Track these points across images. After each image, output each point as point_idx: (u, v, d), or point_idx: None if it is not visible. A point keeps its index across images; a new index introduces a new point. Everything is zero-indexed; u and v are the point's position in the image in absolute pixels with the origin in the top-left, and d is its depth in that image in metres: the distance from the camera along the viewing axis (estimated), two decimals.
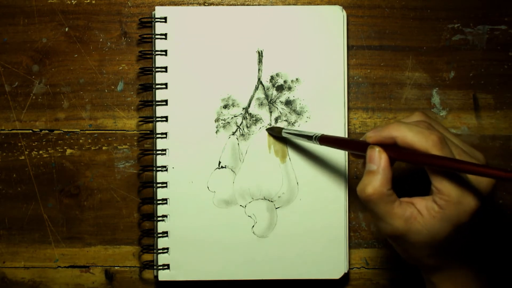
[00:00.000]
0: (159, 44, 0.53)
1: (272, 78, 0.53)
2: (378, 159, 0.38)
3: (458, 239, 0.38)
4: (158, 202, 0.52)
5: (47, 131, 0.54)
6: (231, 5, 0.55)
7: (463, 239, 0.38)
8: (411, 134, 0.37)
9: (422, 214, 0.37)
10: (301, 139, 0.50)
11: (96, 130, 0.54)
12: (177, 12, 0.53)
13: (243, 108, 0.53)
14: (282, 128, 0.51)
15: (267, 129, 0.52)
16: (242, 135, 0.53)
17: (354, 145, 0.42)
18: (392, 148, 0.38)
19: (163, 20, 0.53)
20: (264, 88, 0.53)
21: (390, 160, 0.38)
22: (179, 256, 0.52)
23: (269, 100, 0.53)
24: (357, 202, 0.54)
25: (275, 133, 0.52)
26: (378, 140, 0.39)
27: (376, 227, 0.39)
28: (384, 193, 0.38)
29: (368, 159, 0.39)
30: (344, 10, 0.53)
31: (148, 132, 0.54)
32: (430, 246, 0.38)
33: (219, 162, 0.53)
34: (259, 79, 0.53)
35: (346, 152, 0.53)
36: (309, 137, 0.46)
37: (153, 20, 0.53)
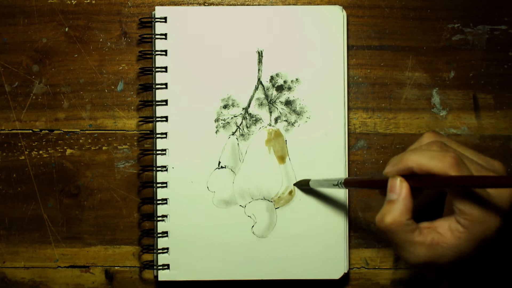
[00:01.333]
0: (159, 44, 0.53)
1: (272, 78, 0.53)
2: (399, 189, 0.38)
3: (483, 254, 0.37)
4: (158, 202, 0.53)
5: (47, 131, 0.54)
6: (231, 5, 0.55)
7: (488, 253, 0.38)
8: (426, 160, 0.36)
9: (446, 236, 0.37)
10: (327, 187, 0.51)
11: (96, 130, 0.54)
12: (177, 12, 0.53)
13: (243, 108, 0.53)
14: (309, 180, 0.51)
15: (295, 184, 0.52)
16: (242, 135, 0.53)
17: (377, 183, 0.42)
18: (412, 178, 0.38)
19: (163, 20, 0.53)
20: (264, 88, 0.53)
21: (412, 191, 0.38)
22: (179, 256, 0.52)
23: (269, 100, 0.53)
24: (357, 202, 0.54)
25: (302, 186, 0.52)
26: (396, 173, 0.38)
27: (399, 255, 0.39)
28: (403, 222, 0.37)
29: (389, 189, 0.38)
30: (344, 10, 0.53)
31: (148, 132, 0.54)
32: (455, 265, 0.38)
33: (219, 162, 0.53)
34: (259, 79, 0.53)
35: (346, 152, 0.53)
36: (335, 183, 0.46)
37: (153, 20, 0.53)
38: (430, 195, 0.43)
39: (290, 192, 0.53)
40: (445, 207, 0.40)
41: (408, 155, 0.38)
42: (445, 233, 0.37)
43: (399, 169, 0.38)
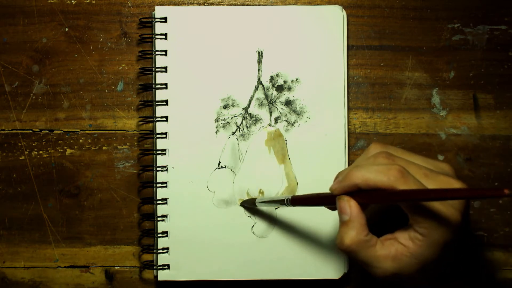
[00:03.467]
0: (159, 44, 0.53)
1: (272, 78, 0.53)
2: (348, 208, 0.38)
3: (447, 257, 0.38)
4: (158, 202, 0.53)
5: (47, 131, 0.54)
6: (231, 5, 0.55)
7: (451, 255, 0.38)
8: (372, 175, 0.36)
9: (407, 245, 0.37)
10: (274, 205, 0.51)
11: (96, 130, 0.54)
12: (177, 12, 0.53)
13: (243, 108, 0.53)
14: (255, 199, 0.51)
15: (241, 204, 0.52)
16: (242, 135, 0.53)
17: (324, 200, 0.42)
18: (360, 194, 0.38)
19: (163, 20, 0.53)
20: (264, 88, 0.53)
21: (362, 205, 0.38)
22: (179, 256, 0.52)
23: (269, 100, 0.53)
24: None
25: (248, 205, 0.52)
26: (343, 191, 0.38)
27: (368, 272, 0.39)
28: (362, 240, 0.37)
29: (339, 211, 0.38)
30: (344, 10, 0.53)
31: (148, 132, 0.54)
32: (423, 273, 0.38)
33: (219, 162, 0.53)
34: (259, 79, 0.53)
35: (346, 152, 0.53)
36: (281, 202, 0.46)
37: (153, 20, 0.53)
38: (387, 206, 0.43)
39: (290, 192, 0.53)
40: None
41: (354, 172, 0.37)
42: (407, 242, 0.37)
43: (345, 186, 0.38)
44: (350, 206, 0.38)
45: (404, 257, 0.37)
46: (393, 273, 0.38)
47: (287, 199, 0.45)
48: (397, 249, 0.37)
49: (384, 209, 0.43)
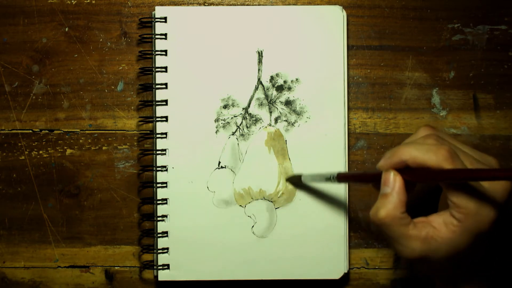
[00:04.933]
0: (159, 44, 0.53)
1: (272, 78, 0.53)
2: (393, 182, 0.38)
3: (478, 248, 0.37)
4: (158, 202, 0.53)
5: (47, 131, 0.54)
6: (231, 5, 0.55)
7: (483, 248, 0.38)
8: (420, 153, 0.36)
9: (440, 230, 0.37)
10: (319, 181, 0.51)
11: (96, 130, 0.54)
12: (177, 12, 0.53)
13: (243, 108, 0.53)
14: (301, 175, 0.51)
15: (287, 179, 0.52)
16: (242, 135, 0.53)
17: (370, 177, 0.42)
18: (406, 171, 0.38)
19: (163, 20, 0.53)
20: (264, 88, 0.53)
21: (406, 184, 0.38)
22: (179, 256, 0.52)
23: (269, 100, 0.53)
24: (357, 202, 0.54)
25: (295, 181, 0.52)
26: (390, 167, 0.38)
27: (394, 249, 0.39)
28: (397, 216, 0.37)
29: (382, 183, 0.38)
30: (344, 10, 0.53)
31: (148, 132, 0.54)
32: (450, 260, 0.37)
33: (219, 162, 0.53)
34: (259, 79, 0.53)
35: (346, 152, 0.53)
36: (327, 178, 0.46)
37: (153, 20, 0.53)
38: (425, 192, 0.43)
39: (290, 192, 0.53)
40: (439, 203, 0.40)
41: (403, 148, 0.37)
42: (440, 227, 0.37)
43: (393, 163, 0.38)
44: (395, 180, 0.37)
45: (433, 241, 0.37)
46: (420, 255, 0.37)
47: (332, 176, 0.45)
48: (428, 231, 0.37)
49: (421, 197, 0.42)
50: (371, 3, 0.54)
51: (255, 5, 0.54)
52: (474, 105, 0.54)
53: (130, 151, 0.54)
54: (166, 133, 0.53)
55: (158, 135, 0.53)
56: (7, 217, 0.54)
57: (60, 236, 0.54)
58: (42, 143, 0.54)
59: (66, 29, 0.54)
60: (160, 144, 0.53)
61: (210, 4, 0.55)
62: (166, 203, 0.53)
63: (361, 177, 0.44)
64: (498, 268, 0.41)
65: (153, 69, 0.53)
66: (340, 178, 0.44)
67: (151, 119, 0.54)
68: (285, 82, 0.53)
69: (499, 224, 0.37)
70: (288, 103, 0.53)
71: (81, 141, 0.54)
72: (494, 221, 0.36)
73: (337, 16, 0.53)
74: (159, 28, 0.53)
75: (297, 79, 0.53)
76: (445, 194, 0.37)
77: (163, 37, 0.53)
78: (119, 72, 0.54)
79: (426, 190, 0.43)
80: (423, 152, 0.36)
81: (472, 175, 0.34)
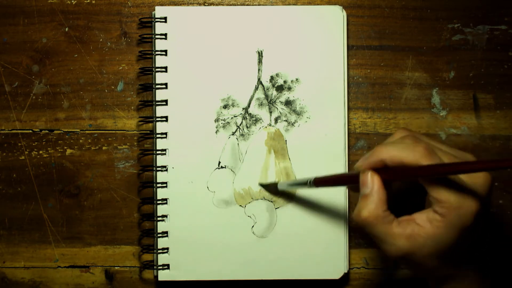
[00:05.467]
0: (159, 44, 0.53)
1: (272, 78, 0.53)
2: (371, 182, 0.38)
3: (463, 243, 0.37)
4: (158, 202, 0.53)
5: (47, 131, 0.54)
6: (231, 5, 0.55)
7: (468, 242, 0.38)
8: (398, 151, 0.37)
9: (424, 226, 0.37)
10: (297, 187, 0.51)
11: (96, 130, 0.54)
12: (177, 12, 0.53)
13: (243, 108, 0.53)
14: (277, 183, 0.51)
15: (261, 185, 0.52)
16: (242, 135, 0.53)
17: (347, 178, 0.42)
18: (384, 170, 0.38)
19: (163, 20, 0.53)
20: (264, 88, 0.53)
21: (385, 183, 0.38)
22: (179, 256, 0.52)
23: (269, 100, 0.53)
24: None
25: (270, 188, 0.52)
26: (368, 166, 0.38)
27: (380, 249, 0.39)
28: (380, 215, 0.37)
29: (361, 184, 0.38)
30: (344, 10, 0.53)
31: (148, 132, 0.54)
32: (437, 257, 0.38)
33: (219, 162, 0.53)
34: (259, 79, 0.53)
35: (346, 152, 0.53)
36: (303, 183, 0.46)
37: (153, 20, 0.53)
38: (410, 192, 0.43)
39: (290, 192, 0.53)
40: (426, 203, 0.40)
41: (380, 148, 0.38)
42: (424, 223, 0.37)
43: (371, 162, 0.38)
44: (373, 180, 0.38)
45: (419, 237, 0.37)
46: (406, 252, 0.37)
47: (309, 181, 0.45)
48: (413, 229, 0.37)
49: (402, 194, 0.42)
50: (371, 3, 0.54)
51: (255, 5, 0.54)
52: (474, 105, 0.54)
53: (130, 151, 0.54)
54: (166, 133, 0.53)
55: (158, 135, 0.53)
56: (7, 217, 0.54)
57: (60, 236, 0.54)
58: (42, 143, 0.54)
59: (66, 29, 0.54)
60: (160, 144, 0.53)
61: (210, 4, 0.55)
62: (166, 203, 0.53)
63: (339, 180, 0.43)
64: (485, 262, 0.41)
65: (153, 69, 0.53)
66: (317, 182, 0.44)
67: (151, 119, 0.54)
68: (285, 82, 0.53)
69: (483, 217, 0.37)
70: (288, 103, 0.53)
71: (81, 141, 0.54)
72: (477, 213, 0.36)
73: (337, 16, 0.53)
74: (159, 28, 0.53)
75: (297, 79, 0.53)
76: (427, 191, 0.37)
77: (163, 37, 0.53)
78: (119, 72, 0.54)
79: (410, 190, 0.43)
80: (400, 150, 0.37)
81: (450, 169, 0.34)
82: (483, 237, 0.42)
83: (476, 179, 0.37)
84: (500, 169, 0.31)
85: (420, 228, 0.37)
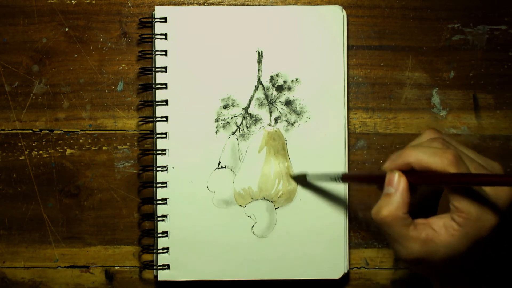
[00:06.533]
0: (159, 44, 0.53)
1: (272, 78, 0.53)
2: (397, 183, 0.38)
3: (476, 253, 0.37)
4: (158, 202, 0.52)
5: (47, 131, 0.54)
6: (231, 5, 0.55)
7: (481, 253, 0.38)
8: (426, 156, 0.36)
9: (440, 233, 0.37)
10: (324, 180, 0.51)
11: (96, 130, 0.54)
12: (177, 12, 0.53)
13: (243, 108, 0.53)
14: (306, 174, 0.51)
15: (292, 177, 0.53)
16: (242, 135, 0.53)
17: (375, 178, 0.42)
18: (411, 173, 0.38)
19: (163, 20, 0.53)
20: (264, 88, 0.53)
21: (410, 186, 0.38)
22: (179, 256, 0.52)
23: (269, 100, 0.53)
24: (357, 202, 0.54)
25: (300, 180, 0.52)
26: (395, 168, 0.38)
27: (392, 249, 0.39)
28: (399, 216, 0.37)
29: (386, 183, 0.38)
30: (344, 10, 0.53)
31: (148, 132, 0.54)
32: (448, 263, 0.37)
33: (219, 162, 0.53)
34: (259, 79, 0.53)
35: (346, 152, 0.53)
36: (332, 178, 0.46)
37: (153, 20, 0.53)
38: (426, 194, 0.43)
39: (290, 192, 0.53)
40: (439, 206, 0.40)
41: (408, 151, 0.38)
42: (440, 230, 0.37)
43: (398, 164, 0.38)
44: (400, 181, 0.38)
45: (432, 243, 0.37)
46: (418, 256, 0.37)
47: (337, 176, 0.45)
48: (427, 233, 0.37)
49: (423, 201, 0.42)
50: (371, 3, 0.54)
51: (255, 5, 0.54)
52: (474, 105, 0.54)
53: (130, 151, 0.54)
54: (166, 133, 0.53)
55: (158, 135, 0.53)
56: (7, 217, 0.54)
57: (60, 236, 0.54)
58: (42, 143, 0.54)
59: (66, 29, 0.54)
60: (160, 144, 0.53)
61: (210, 4, 0.55)
62: (166, 203, 0.53)
63: (366, 178, 0.44)
64: (495, 272, 0.41)
65: (153, 69, 0.53)
66: (344, 178, 0.45)
67: (151, 119, 0.54)
68: (285, 82, 0.53)
69: (499, 230, 0.37)
70: (288, 103, 0.53)
71: (81, 141, 0.54)
72: (494, 227, 0.36)
73: (337, 16, 0.53)
74: (159, 28, 0.53)
75: (297, 79, 0.53)
76: (447, 197, 0.37)
77: (163, 37, 0.53)
78: (119, 72, 0.54)
79: (427, 192, 0.43)
80: (429, 155, 0.36)
81: (476, 180, 0.34)
82: (496, 248, 0.42)
83: (499, 192, 0.36)
84: None
85: (435, 234, 0.37)
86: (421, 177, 0.37)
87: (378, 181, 0.41)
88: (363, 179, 0.44)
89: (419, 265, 0.38)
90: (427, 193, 0.43)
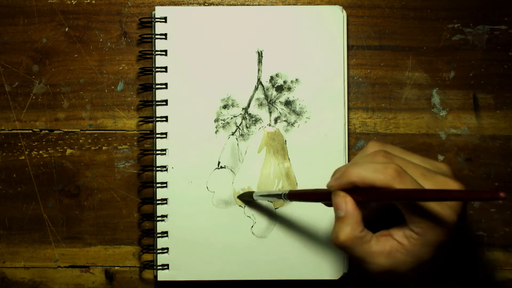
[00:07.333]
0: (159, 44, 0.53)
1: (271, 78, 0.53)
2: (344, 204, 0.38)
3: (440, 257, 0.38)
4: (158, 202, 0.53)
5: (47, 131, 0.54)
6: (231, 5, 0.55)
7: (445, 255, 0.38)
8: (368, 173, 0.36)
9: (402, 243, 0.37)
10: (272, 199, 0.51)
11: (96, 130, 0.54)
12: (177, 12, 0.53)
13: (243, 109, 0.53)
14: (253, 192, 0.51)
15: (238, 197, 0.52)
16: (242, 135, 0.53)
17: (320, 195, 0.41)
18: (356, 191, 0.38)
19: (163, 20, 0.53)
20: (263, 88, 0.53)
21: (360, 203, 0.38)
22: (178, 256, 0.52)
23: (268, 100, 0.53)
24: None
25: (246, 198, 0.52)
26: (339, 188, 0.38)
27: (362, 269, 0.39)
28: (357, 236, 0.37)
29: (334, 207, 0.38)
30: (344, 10, 0.53)
31: (148, 132, 0.54)
32: (417, 271, 0.38)
33: (219, 162, 0.53)
34: (258, 79, 0.53)
35: (346, 152, 0.53)
36: (278, 196, 0.46)
37: (153, 20, 0.53)
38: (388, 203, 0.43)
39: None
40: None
41: (351, 169, 0.37)
42: (402, 240, 0.37)
43: (342, 183, 0.38)
44: (346, 202, 0.38)
45: (398, 254, 0.37)
46: (387, 269, 0.38)
47: (284, 194, 0.45)
48: (391, 245, 0.37)
49: (381, 207, 0.43)
50: (371, 3, 0.54)
51: (255, 5, 0.54)
52: (474, 105, 0.54)
53: (130, 151, 0.54)
54: (166, 133, 0.53)
55: (158, 135, 0.53)
56: (7, 217, 0.54)
57: (60, 236, 0.54)
58: (42, 143, 0.54)
59: (66, 29, 0.54)
60: (160, 144, 0.53)
61: (210, 4, 0.55)
62: (166, 203, 0.53)
63: (313, 196, 0.43)
64: (466, 271, 0.42)
65: (153, 69, 0.53)
66: (291, 196, 0.44)
67: (151, 119, 0.54)
68: (285, 82, 0.53)
69: (459, 230, 0.37)
70: (288, 103, 0.53)
71: (81, 141, 0.54)
72: (452, 230, 0.36)
73: (337, 16, 0.53)
74: (159, 28, 0.53)
75: (297, 79, 0.53)
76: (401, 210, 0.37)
77: (163, 37, 0.53)
78: (119, 72, 0.54)
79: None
80: (371, 172, 0.36)
81: (420, 196, 0.34)
82: (457, 249, 0.42)
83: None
84: (470, 200, 0.31)
85: (399, 245, 0.37)
86: (367, 194, 0.37)
87: (325, 198, 0.40)
88: (310, 196, 0.44)
89: (391, 277, 0.39)
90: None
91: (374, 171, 0.36)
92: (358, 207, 0.38)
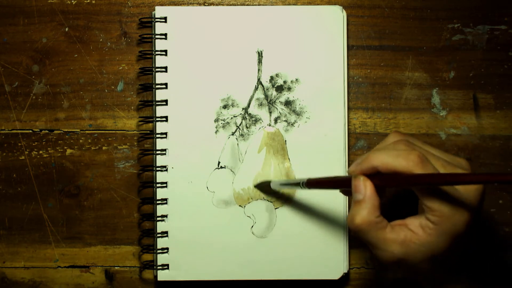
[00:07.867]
0: (159, 44, 0.53)
1: (271, 78, 0.53)
2: (363, 188, 0.38)
3: (456, 249, 0.38)
4: (158, 202, 0.53)
5: (47, 131, 0.54)
6: (231, 5, 0.55)
7: (460, 249, 0.38)
8: (391, 159, 0.37)
9: (417, 233, 0.37)
10: (290, 187, 0.51)
11: (96, 130, 0.54)
12: (177, 12, 0.53)
13: (243, 109, 0.53)
14: (270, 181, 0.51)
15: (255, 186, 0.52)
16: (242, 135, 0.53)
17: (340, 182, 0.42)
18: (377, 176, 0.38)
19: (163, 20, 0.53)
20: (263, 88, 0.53)
21: (378, 188, 0.38)
22: (178, 256, 0.52)
23: (268, 100, 0.53)
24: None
25: (264, 187, 0.52)
26: (361, 172, 0.38)
27: (374, 255, 0.39)
28: (373, 221, 0.37)
29: (353, 190, 0.38)
30: (344, 10, 0.53)
31: (148, 132, 0.54)
32: (430, 262, 0.38)
33: (219, 162, 0.53)
34: (258, 79, 0.53)
35: (346, 152, 0.53)
36: (297, 184, 0.46)
37: (153, 20, 0.53)
38: (402, 193, 0.43)
39: (289, 193, 0.53)
40: (419, 205, 0.40)
41: (373, 154, 0.38)
42: (417, 230, 0.37)
43: (364, 168, 0.38)
44: (366, 186, 0.38)
45: (412, 243, 0.37)
46: (399, 258, 0.38)
47: (302, 182, 0.45)
48: (406, 235, 0.37)
49: (396, 198, 0.43)
50: (371, 3, 0.54)
51: (255, 5, 0.54)
52: (474, 105, 0.54)
53: (130, 151, 0.54)
54: (166, 133, 0.53)
55: (158, 135, 0.53)
56: (7, 217, 0.54)
57: (60, 236, 0.54)
58: (42, 143, 0.54)
59: (66, 29, 0.54)
60: (160, 144, 0.53)
61: (210, 4, 0.55)
62: (166, 203, 0.53)
63: (332, 183, 0.43)
64: (477, 266, 0.41)
65: (153, 69, 0.53)
66: (310, 184, 0.44)
67: (151, 119, 0.54)
68: (285, 82, 0.53)
69: (475, 224, 0.37)
70: (288, 103, 0.53)
71: (81, 141, 0.54)
72: (469, 222, 0.36)
73: (337, 16, 0.53)
74: (159, 28, 0.53)
75: (297, 79, 0.53)
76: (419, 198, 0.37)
77: (163, 37, 0.53)
78: (119, 72, 0.54)
79: (404, 192, 0.43)
80: (393, 157, 0.37)
81: (442, 180, 0.34)
82: (473, 243, 0.42)
83: (469, 188, 0.37)
84: (491, 183, 0.31)
85: (413, 235, 0.37)
86: (387, 180, 0.37)
87: (344, 185, 0.40)
88: (329, 184, 0.44)
89: (402, 267, 0.39)
90: (405, 193, 0.43)
91: (397, 157, 0.36)
92: (376, 193, 0.38)
